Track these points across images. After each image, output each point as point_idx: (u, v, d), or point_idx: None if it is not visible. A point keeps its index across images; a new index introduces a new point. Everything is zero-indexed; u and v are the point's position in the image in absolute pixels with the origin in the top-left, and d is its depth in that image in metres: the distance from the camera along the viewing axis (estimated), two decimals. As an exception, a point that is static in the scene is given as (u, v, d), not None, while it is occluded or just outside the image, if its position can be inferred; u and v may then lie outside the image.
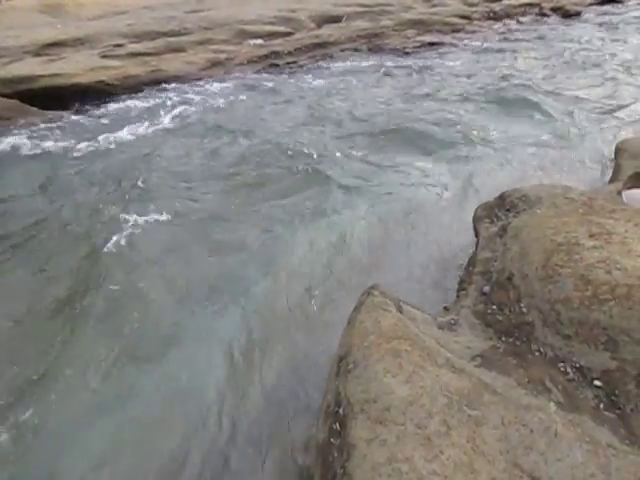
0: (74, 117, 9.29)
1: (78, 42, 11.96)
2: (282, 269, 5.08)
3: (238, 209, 6.12)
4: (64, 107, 9.55)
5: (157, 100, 9.94)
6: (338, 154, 7.49)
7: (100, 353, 4.12)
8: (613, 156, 5.67)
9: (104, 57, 11.21)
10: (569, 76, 11.28)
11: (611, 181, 5.02)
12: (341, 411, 2.44)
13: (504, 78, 11.12)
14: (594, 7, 18.61)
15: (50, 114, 9.24)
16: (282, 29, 13.30)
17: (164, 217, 5.95)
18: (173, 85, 10.67)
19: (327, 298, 4.66)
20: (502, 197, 4.32)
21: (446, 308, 3.47)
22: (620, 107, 9.42)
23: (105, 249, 5.37)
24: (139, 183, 6.74)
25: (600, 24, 16.26)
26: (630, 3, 19.58)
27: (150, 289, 4.84)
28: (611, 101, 9.74)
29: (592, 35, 14.87)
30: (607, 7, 18.85)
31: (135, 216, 5.93)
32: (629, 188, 4.52)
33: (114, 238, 5.52)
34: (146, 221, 5.85)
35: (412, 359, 2.52)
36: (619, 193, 4.42)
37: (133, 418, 3.60)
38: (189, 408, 3.70)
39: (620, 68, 11.66)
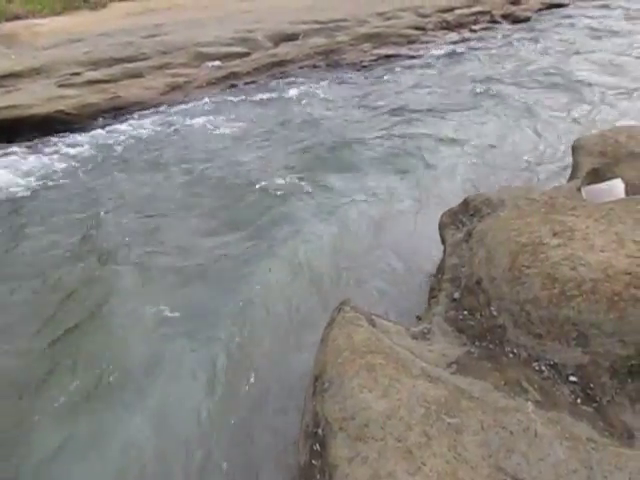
0: (32, 149, 9.07)
1: (34, 72, 11.72)
2: (250, 292, 5.02)
3: (202, 236, 6.03)
4: (22, 139, 9.33)
5: (116, 128, 9.80)
6: (298, 172, 7.48)
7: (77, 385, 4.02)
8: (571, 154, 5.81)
9: (61, 86, 11.01)
10: (522, 80, 11.58)
11: (570, 179, 5.12)
12: (320, 431, 2.41)
13: (459, 86, 11.35)
14: (542, 12, 19.21)
15: (7, 147, 9.02)
16: (239, 50, 13.27)
17: (125, 250, 5.82)
18: (133, 111, 10.55)
19: (299, 317, 4.64)
20: (466, 202, 4.36)
21: (419, 317, 3.47)
22: (574, 107, 9.71)
23: (66, 283, 5.25)
24: (99, 216, 6.59)
25: (548, 27, 16.84)
26: (577, 4, 20.36)
27: (124, 318, 4.75)
28: (565, 102, 10.04)
29: (541, 38, 15.37)
30: (554, 11, 19.50)
31: (94, 249, 5.81)
32: (588, 184, 4.62)
33: (74, 273, 5.41)
34: (106, 253, 5.73)
35: (387, 372, 2.50)
36: (578, 190, 4.51)
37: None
38: (165, 437, 3.62)
39: (571, 70, 12.06)
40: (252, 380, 4.07)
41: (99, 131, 9.69)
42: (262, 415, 3.78)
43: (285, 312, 4.74)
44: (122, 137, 9.30)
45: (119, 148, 8.84)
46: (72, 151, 8.81)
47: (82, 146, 9.01)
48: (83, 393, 4.00)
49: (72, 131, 9.70)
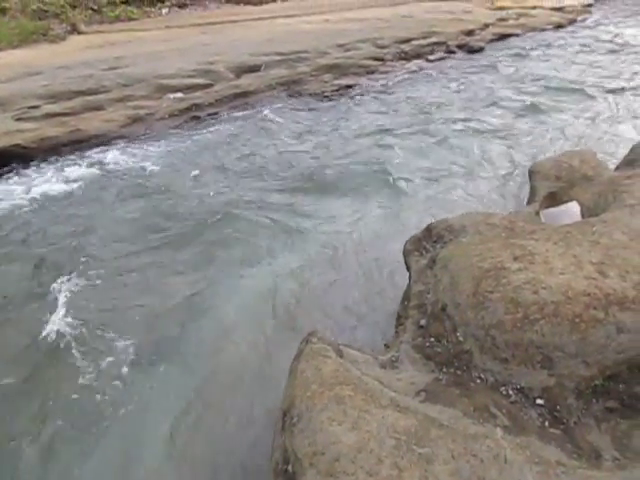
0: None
1: (-10, 106, 11.50)
2: (216, 326, 4.94)
3: (166, 271, 5.93)
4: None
5: (76, 161, 9.61)
6: (261, 202, 7.49)
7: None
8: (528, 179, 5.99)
9: (19, 120, 10.79)
10: (477, 107, 11.98)
11: (529, 203, 5.28)
12: (290, 468, 2.34)
13: (418, 114, 11.64)
14: (494, 42, 20.02)
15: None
16: (201, 81, 13.31)
17: (88, 287, 5.67)
18: (93, 144, 10.37)
19: (266, 350, 4.57)
20: (428, 229, 4.41)
21: (387, 345, 3.46)
22: (527, 132, 10.07)
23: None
24: (57, 254, 6.39)
25: (500, 56, 17.57)
26: (527, 35, 21.37)
27: (86, 357, 4.59)
28: (518, 126, 10.41)
29: (493, 66, 16.01)
30: (506, 41, 20.38)
31: (55, 288, 5.64)
32: (546, 208, 4.78)
33: (33, 315, 5.23)
34: (68, 292, 5.56)
35: (356, 404, 2.46)
36: (537, 213, 4.65)
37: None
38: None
39: (522, 95, 12.55)
40: (220, 417, 3.97)
41: (58, 165, 9.48)
42: (230, 453, 3.67)
43: (252, 345, 4.66)
44: (82, 171, 9.11)
45: (79, 182, 8.65)
46: (28, 186, 8.58)
47: (39, 180, 8.79)
48: (48, 436, 3.84)
49: (30, 165, 9.48)
